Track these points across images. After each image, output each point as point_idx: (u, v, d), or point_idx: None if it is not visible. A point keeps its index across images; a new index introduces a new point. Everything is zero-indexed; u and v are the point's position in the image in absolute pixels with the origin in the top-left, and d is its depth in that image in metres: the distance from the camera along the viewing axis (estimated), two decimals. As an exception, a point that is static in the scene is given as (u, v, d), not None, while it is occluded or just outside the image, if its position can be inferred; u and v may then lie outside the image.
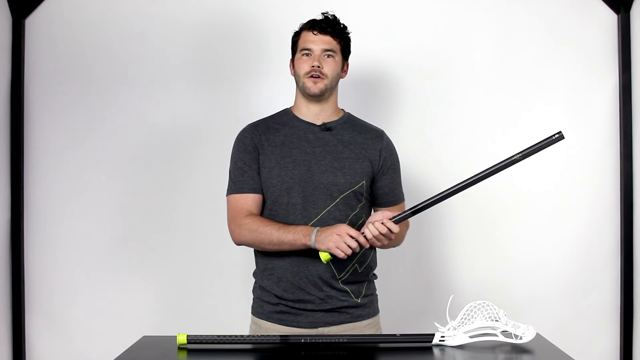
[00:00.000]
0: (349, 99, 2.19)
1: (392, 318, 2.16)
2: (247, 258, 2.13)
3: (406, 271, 2.60)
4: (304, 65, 1.84)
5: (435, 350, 1.59)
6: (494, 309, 1.61)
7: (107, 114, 2.59)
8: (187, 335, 1.60)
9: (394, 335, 1.65)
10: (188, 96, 2.60)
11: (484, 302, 1.61)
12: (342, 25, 1.88)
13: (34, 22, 2.60)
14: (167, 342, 1.64)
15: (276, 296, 1.85)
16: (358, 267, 1.86)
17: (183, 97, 2.59)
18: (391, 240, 1.72)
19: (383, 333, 1.94)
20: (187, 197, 2.59)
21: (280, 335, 1.66)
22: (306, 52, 1.85)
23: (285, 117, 1.92)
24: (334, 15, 1.87)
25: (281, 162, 1.84)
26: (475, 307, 1.61)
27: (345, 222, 1.82)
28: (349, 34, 1.90)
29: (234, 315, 2.37)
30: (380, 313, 1.96)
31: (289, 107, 1.96)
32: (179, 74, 2.59)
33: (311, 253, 1.75)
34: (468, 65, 2.58)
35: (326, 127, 1.88)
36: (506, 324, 1.60)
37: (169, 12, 2.59)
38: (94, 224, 2.60)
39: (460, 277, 2.59)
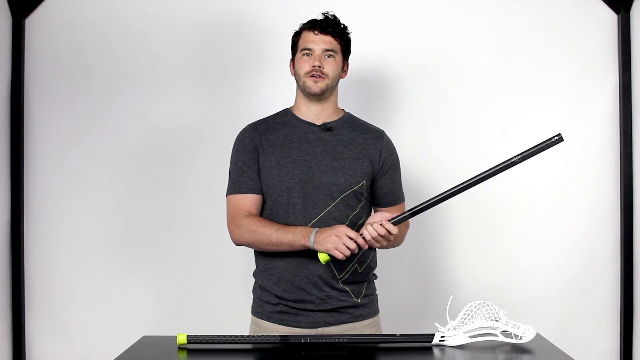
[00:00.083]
0: (349, 99, 2.19)
1: (392, 318, 2.16)
2: (247, 258, 2.13)
3: (406, 271, 2.60)
4: (305, 65, 1.84)
5: (435, 350, 1.59)
6: (494, 309, 1.60)
7: (107, 114, 2.59)
8: (187, 335, 1.60)
9: (394, 335, 1.65)
10: (188, 96, 2.60)
11: (484, 302, 1.61)
12: (342, 26, 1.88)
13: (34, 22, 2.60)
14: (167, 342, 1.64)
15: (276, 296, 1.85)
16: (358, 267, 1.86)
17: (183, 97, 2.59)
18: (390, 241, 1.72)
19: (383, 333, 1.94)
20: (187, 197, 2.59)
21: (280, 335, 1.66)
22: (307, 52, 1.85)
23: (285, 117, 1.92)
24: (334, 15, 1.88)
25: (281, 162, 1.84)
26: (475, 307, 1.61)
27: (345, 222, 1.82)
28: (349, 34, 1.90)
29: (234, 315, 2.37)
30: (380, 313, 1.96)
31: (289, 107, 1.96)
32: (179, 74, 2.59)
33: (311, 253, 1.75)
34: (468, 65, 2.58)
35: (326, 127, 1.88)
36: (506, 324, 1.60)
37: (169, 12, 2.59)
38: (94, 224, 2.60)
39: (460, 277, 2.59)
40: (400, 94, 2.58)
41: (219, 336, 1.61)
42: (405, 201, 1.99)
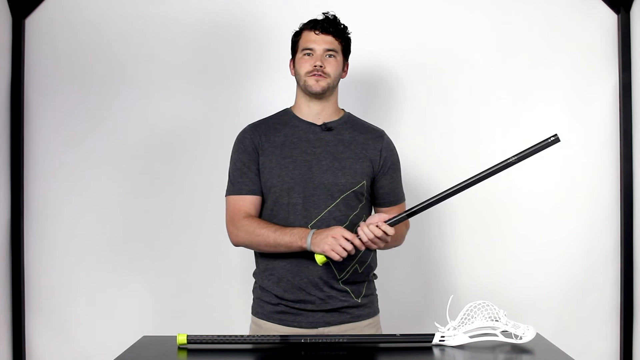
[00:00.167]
0: (349, 99, 2.19)
1: (392, 318, 2.16)
2: (247, 258, 2.13)
3: (406, 271, 2.60)
4: (306, 65, 1.84)
5: (435, 350, 1.59)
6: (494, 309, 1.60)
7: (107, 114, 2.59)
8: (187, 335, 1.60)
9: (394, 335, 1.65)
10: (188, 96, 2.60)
11: (484, 302, 1.61)
12: (342, 26, 1.88)
13: (34, 22, 2.60)
14: (167, 342, 1.64)
15: (276, 296, 1.85)
16: (358, 267, 1.86)
17: (183, 97, 2.59)
18: (387, 242, 1.72)
19: (383, 333, 1.94)
20: (187, 197, 2.59)
21: (280, 335, 1.66)
22: (308, 51, 1.85)
23: (285, 117, 1.92)
24: (334, 15, 1.88)
25: (282, 162, 1.84)
26: (475, 307, 1.61)
27: (345, 223, 1.82)
28: (349, 34, 1.90)
29: (234, 315, 2.37)
30: (380, 313, 1.96)
31: (289, 107, 1.96)
32: (179, 74, 2.59)
33: (311, 254, 1.75)
34: (468, 65, 2.58)
35: (327, 127, 1.88)
36: (506, 324, 1.60)
37: (169, 12, 2.59)
38: (94, 223, 2.60)
39: (460, 277, 2.59)
40: (400, 94, 2.58)
41: (219, 336, 1.61)
42: (406, 201, 1.99)
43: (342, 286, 1.84)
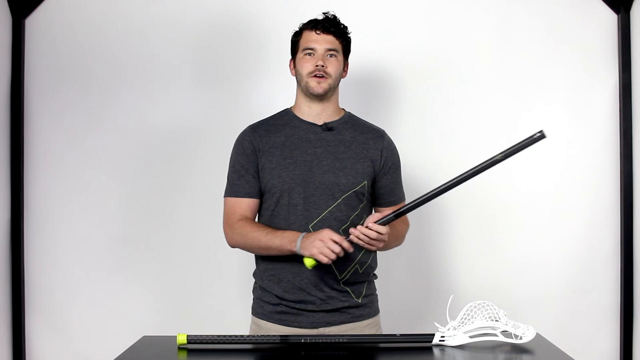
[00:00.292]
0: (349, 99, 2.19)
1: (392, 318, 2.16)
2: (247, 258, 2.12)
3: (406, 271, 2.60)
4: (307, 65, 1.84)
5: (435, 350, 1.59)
6: (494, 309, 1.60)
7: (107, 114, 2.59)
8: (187, 335, 1.60)
9: (394, 335, 1.65)
10: (188, 96, 2.60)
11: (484, 302, 1.61)
12: (343, 25, 1.88)
13: (34, 22, 2.60)
14: (167, 342, 1.64)
15: (277, 297, 1.85)
16: (359, 268, 1.86)
17: (183, 97, 2.59)
18: (386, 241, 1.72)
19: (383, 333, 1.94)
20: (187, 197, 2.59)
21: (280, 335, 1.66)
22: (309, 51, 1.85)
23: (285, 117, 1.92)
24: (334, 15, 1.87)
25: (282, 162, 1.83)
26: (475, 307, 1.61)
27: (346, 223, 1.82)
28: (349, 34, 1.90)
29: (234, 315, 2.37)
30: (380, 313, 1.96)
31: (289, 107, 1.96)
32: (179, 74, 2.59)
33: (309, 255, 1.75)
34: (468, 65, 2.58)
35: (327, 127, 1.88)
36: (506, 324, 1.59)
37: (169, 12, 2.59)
38: (94, 223, 2.60)
39: (460, 277, 2.59)
40: (400, 94, 2.58)
41: (219, 336, 1.60)
42: (406, 201, 1.99)
43: (342, 286, 1.84)
